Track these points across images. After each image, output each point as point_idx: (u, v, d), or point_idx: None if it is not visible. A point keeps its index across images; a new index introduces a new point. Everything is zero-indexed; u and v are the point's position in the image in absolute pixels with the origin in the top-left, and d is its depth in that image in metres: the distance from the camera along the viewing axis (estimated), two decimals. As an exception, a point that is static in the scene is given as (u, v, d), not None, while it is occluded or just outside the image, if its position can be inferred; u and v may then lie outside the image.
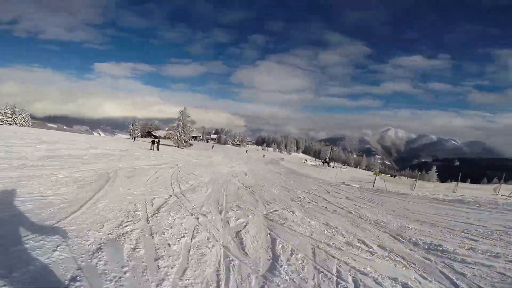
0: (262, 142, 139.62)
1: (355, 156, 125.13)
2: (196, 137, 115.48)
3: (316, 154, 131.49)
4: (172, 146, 42.33)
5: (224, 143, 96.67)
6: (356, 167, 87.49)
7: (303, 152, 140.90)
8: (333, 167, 48.72)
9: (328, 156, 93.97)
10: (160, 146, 26.37)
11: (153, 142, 25.05)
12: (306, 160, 61.33)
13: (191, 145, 44.01)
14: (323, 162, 54.28)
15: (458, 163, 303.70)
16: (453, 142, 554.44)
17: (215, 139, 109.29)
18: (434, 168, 65.93)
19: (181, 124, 42.22)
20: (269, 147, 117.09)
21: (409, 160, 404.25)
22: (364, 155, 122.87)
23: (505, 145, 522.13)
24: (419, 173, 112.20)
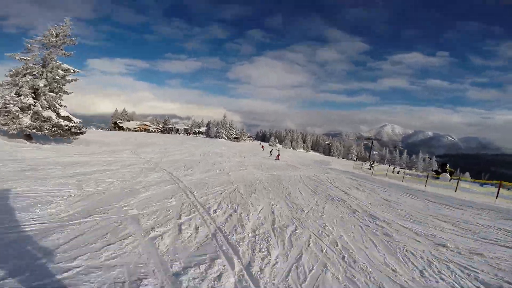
0: (262, 137, 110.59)
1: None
2: (178, 129, 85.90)
3: (326, 151, 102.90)
4: None
5: (216, 137, 67.06)
6: (410, 169, 57.70)
7: (311, 149, 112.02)
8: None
9: (369, 153, 64.28)
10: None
11: None
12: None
13: (59, 135, 13.46)
14: (437, 171, 25.33)
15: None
16: (449, 138, 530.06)
17: (203, 132, 79.51)
18: None
19: (28, 69, 12.13)
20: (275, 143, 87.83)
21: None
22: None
23: (500, 140, 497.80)
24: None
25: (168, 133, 76.93)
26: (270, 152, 22.70)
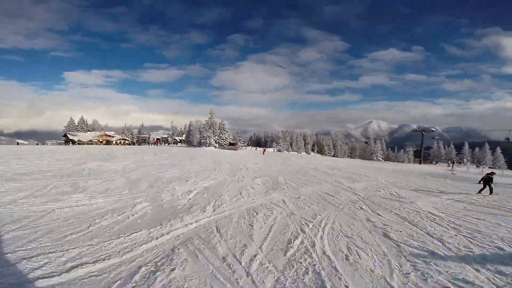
0: (257, 142, 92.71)
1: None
2: (149, 139, 66.40)
3: (330, 151, 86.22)
4: None
5: (201, 144, 48.36)
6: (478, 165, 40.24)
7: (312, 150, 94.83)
8: None
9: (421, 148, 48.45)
10: None
11: None
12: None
13: None
14: None
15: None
16: (433, 129, 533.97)
17: (183, 141, 60.36)
18: None
19: None
20: (277, 148, 70.17)
21: (397, 150, 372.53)
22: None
23: (483, 128, 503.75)
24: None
25: (139, 144, 57.61)
26: None
